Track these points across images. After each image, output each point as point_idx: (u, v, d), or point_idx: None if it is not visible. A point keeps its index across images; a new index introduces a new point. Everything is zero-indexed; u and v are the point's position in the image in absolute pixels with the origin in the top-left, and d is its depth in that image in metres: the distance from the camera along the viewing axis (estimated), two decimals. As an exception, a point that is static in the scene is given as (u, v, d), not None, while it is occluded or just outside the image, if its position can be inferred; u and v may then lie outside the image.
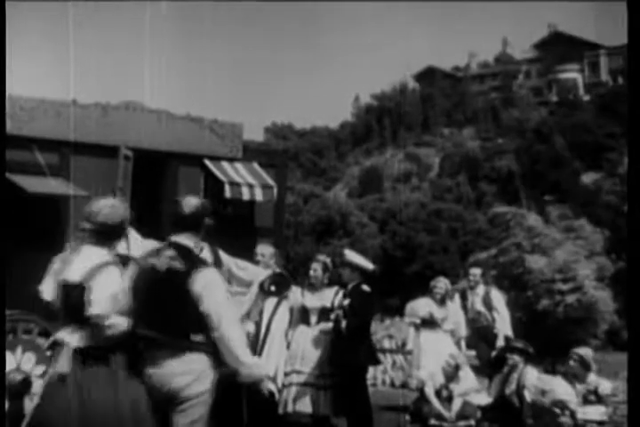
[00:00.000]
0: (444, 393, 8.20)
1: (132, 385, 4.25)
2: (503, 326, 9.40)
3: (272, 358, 6.87)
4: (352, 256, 7.38)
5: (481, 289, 9.60)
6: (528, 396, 7.77)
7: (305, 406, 6.97)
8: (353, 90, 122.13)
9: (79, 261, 4.40)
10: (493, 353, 8.91)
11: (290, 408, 6.97)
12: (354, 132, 70.65)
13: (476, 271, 9.86)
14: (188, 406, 4.20)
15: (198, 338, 4.20)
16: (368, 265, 7.40)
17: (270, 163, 9.30)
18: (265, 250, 7.25)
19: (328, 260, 7.42)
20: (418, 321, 9.25)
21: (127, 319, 4.28)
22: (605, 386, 8.11)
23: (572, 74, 65.85)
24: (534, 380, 7.84)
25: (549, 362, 12.08)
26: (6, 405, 6.04)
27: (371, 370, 11.13)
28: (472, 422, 8.09)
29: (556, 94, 64.51)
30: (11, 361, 6.60)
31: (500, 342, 9.17)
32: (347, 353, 6.96)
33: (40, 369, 6.71)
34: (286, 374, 7.03)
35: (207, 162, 8.61)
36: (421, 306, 9.28)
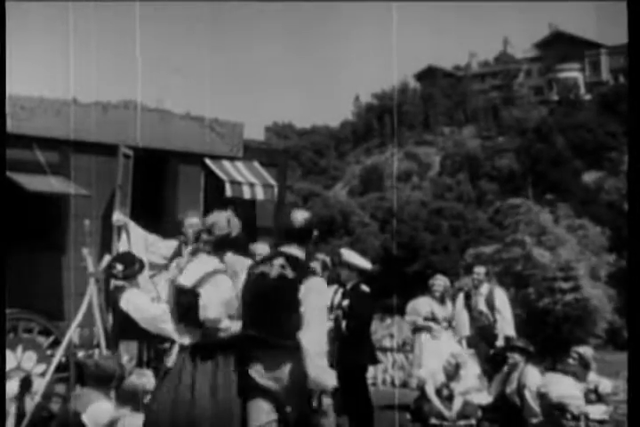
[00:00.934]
0: (445, 392, 8.19)
1: (233, 383, 4.63)
2: (504, 326, 9.35)
3: None
4: (349, 256, 7.37)
5: (485, 288, 9.56)
6: (529, 395, 7.76)
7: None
8: (354, 89, 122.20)
9: (193, 268, 4.83)
10: (493, 352, 8.90)
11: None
12: (354, 132, 70.67)
13: (480, 270, 9.82)
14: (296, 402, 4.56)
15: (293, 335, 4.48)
16: (366, 264, 7.39)
17: (271, 162, 9.28)
18: (261, 249, 7.31)
19: (327, 258, 7.41)
20: (419, 320, 9.25)
21: (237, 322, 4.69)
22: (606, 385, 8.09)
23: (572, 73, 65.83)
24: (536, 379, 7.83)
25: (550, 361, 12.07)
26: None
27: (371, 369, 11.13)
28: (473, 421, 8.09)
29: (556, 93, 64.49)
30: (11, 360, 6.59)
31: (500, 343, 9.14)
32: (347, 353, 6.94)
33: (41, 368, 6.71)
34: None
35: (208, 161, 8.60)
36: (422, 305, 9.28)
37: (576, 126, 53.95)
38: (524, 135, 56.09)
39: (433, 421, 8.08)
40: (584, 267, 23.33)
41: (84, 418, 5.41)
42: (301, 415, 4.68)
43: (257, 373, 4.58)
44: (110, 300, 6.79)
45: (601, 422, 7.83)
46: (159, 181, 8.53)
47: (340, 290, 7.25)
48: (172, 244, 7.33)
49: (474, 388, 8.37)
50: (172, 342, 4.89)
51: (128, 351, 6.45)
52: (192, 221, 7.33)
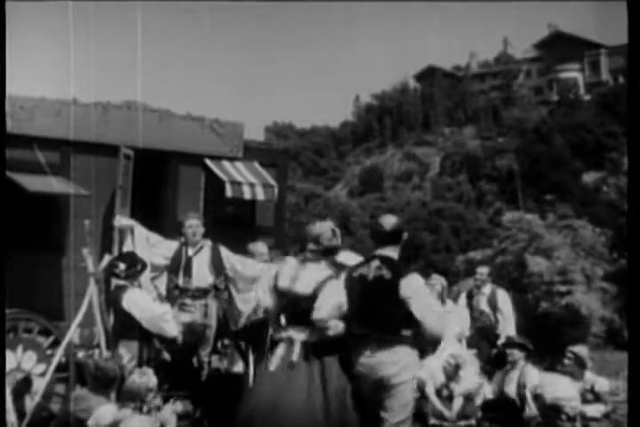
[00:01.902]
0: (445, 392, 8.19)
1: (341, 374, 5.16)
2: (506, 327, 9.35)
3: None
4: (348, 256, 7.34)
5: (487, 288, 9.55)
6: (529, 395, 7.76)
7: None
8: (353, 89, 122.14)
9: (307, 277, 5.29)
10: (494, 351, 8.89)
11: None
12: (354, 132, 70.63)
13: (483, 270, 9.81)
14: (398, 392, 5.08)
15: (406, 333, 5.08)
16: None
17: (271, 162, 9.29)
18: (260, 248, 7.31)
19: None
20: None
21: (344, 322, 5.18)
22: (602, 384, 8.07)
23: (572, 73, 65.81)
24: (535, 378, 7.83)
25: (548, 362, 12.06)
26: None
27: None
28: (473, 421, 8.08)
29: (556, 94, 64.46)
30: (11, 360, 6.59)
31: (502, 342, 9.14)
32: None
33: (41, 368, 6.71)
34: None
35: (208, 161, 8.60)
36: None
37: (576, 126, 53.94)
38: (524, 135, 56.08)
39: (433, 421, 8.07)
40: (577, 271, 23.34)
41: (90, 423, 5.42)
42: None
43: (364, 366, 5.10)
44: (110, 300, 6.79)
45: (597, 419, 7.81)
46: (159, 182, 8.54)
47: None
48: (173, 245, 7.33)
49: (474, 388, 8.36)
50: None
51: (129, 351, 6.45)
52: (192, 222, 7.33)
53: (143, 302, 6.52)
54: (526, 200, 46.98)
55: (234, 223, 8.89)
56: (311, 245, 5.40)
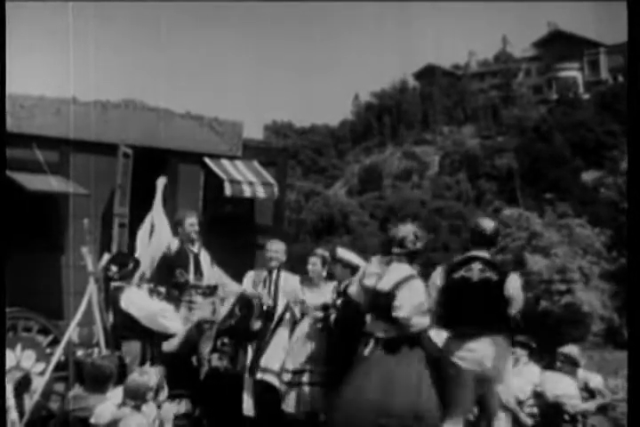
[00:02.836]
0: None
1: (421, 365, 5.52)
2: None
3: (278, 352, 6.84)
4: (344, 253, 7.33)
5: None
6: (529, 393, 7.74)
7: (312, 404, 6.82)
8: (353, 88, 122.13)
9: (390, 275, 5.57)
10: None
11: (304, 408, 6.77)
12: (353, 131, 70.64)
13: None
14: (497, 381, 5.56)
15: (503, 327, 5.50)
16: (361, 263, 7.36)
17: (270, 161, 9.28)
18: (277, 246, 7.29)
19: (327, 253, 7.38)
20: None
21: (427, 319, 5.53)
22: (596, 380, 8.05)
23: (571, 72, 65.82)
24: (536, 377, 7.82)
25: (546, 362, 12.07)
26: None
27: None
28: (471, 417, 8.06)
29: (555, 92, 64.48)
30: (11, 359, 6.58)
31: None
32: (342, 351, 6.91)
33: (40, 367, 6.70)
34: (295, 373, 6.90)
35: (207, 160, 8.60)
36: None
37: (575, 125, 53.95)
38: (524, 134, 56.09)
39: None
40: (576, 270, 23.34)
41: (92, 421, 5.42)
42: None
43: (461, 359, 5.48)
44: (110, 299, 6.79)
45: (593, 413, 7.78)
46: (159, 181, 8.52)
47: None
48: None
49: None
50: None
51: (130, 353, 6.44)
52: (193, 220, 7.35)
53: (140, 300, 6.53)
54: (526, 199, 47.00)
55: (233, 221, 8.89)
56: (396, 249, 5.66)
